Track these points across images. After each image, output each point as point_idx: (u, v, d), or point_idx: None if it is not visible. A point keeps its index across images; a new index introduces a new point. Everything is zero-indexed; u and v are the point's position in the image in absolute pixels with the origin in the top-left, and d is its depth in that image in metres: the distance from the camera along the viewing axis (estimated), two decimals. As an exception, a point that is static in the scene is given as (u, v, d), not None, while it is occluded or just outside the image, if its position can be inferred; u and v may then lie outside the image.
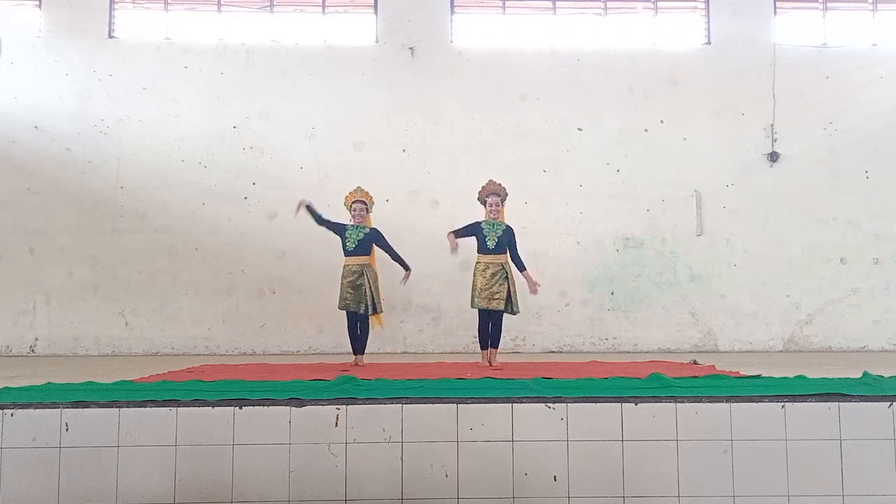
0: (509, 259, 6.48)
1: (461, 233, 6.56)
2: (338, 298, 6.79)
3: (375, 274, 6.78)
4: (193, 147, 9.93)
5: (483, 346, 6.60)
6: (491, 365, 6.35)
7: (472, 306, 6.50)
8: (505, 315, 6.57)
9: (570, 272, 9.84)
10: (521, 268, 6.47)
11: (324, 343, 9.65)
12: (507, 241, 6.44)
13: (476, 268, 6.45)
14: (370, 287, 6.62)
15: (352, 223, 6.82)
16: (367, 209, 6.85)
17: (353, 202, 6.84)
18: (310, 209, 6.84)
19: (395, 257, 6.80)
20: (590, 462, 3.15)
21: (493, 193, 6.64)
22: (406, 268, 6.80)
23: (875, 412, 3.23)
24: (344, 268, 6.75)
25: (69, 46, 9.97)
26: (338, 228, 6.80)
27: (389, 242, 6.83)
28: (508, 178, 9.53)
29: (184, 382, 4.14)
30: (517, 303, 6.45)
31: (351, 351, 6.86)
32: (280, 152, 9.98)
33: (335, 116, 10.02)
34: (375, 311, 6.73)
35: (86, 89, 9.93)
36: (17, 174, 9.75)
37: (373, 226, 6.89)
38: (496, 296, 6.29)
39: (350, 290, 6.64)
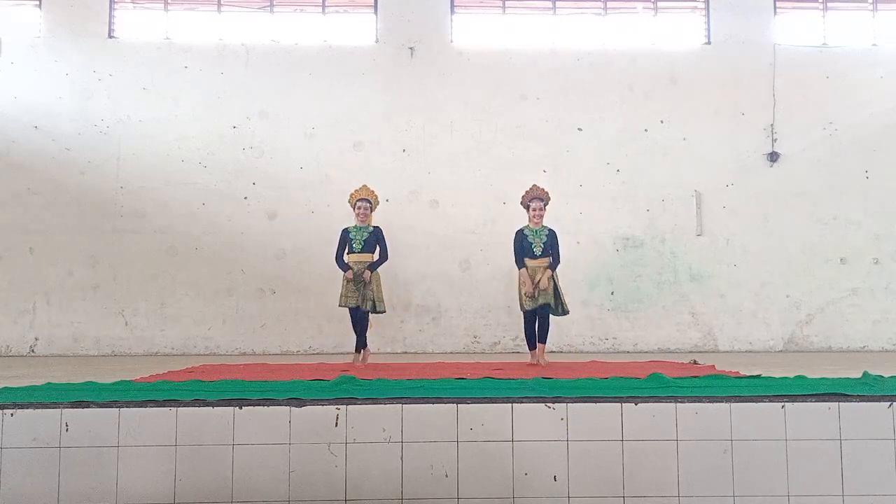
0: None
1: (518, 257, 6.73)
2: (338, 297, 6.77)
3: (378, 274, 6.78)
4: (193, 147, 9.93)
5: (531, 347, 6.75)
6: (539, 364, 6.46)
7: (522, 309, 6.72)
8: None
9: (570, 272, 9.80)
10: (552, 266, 6.64)
11: (324, 343, 9.66)
12: (551, 245, 6.69)
13: (522, 273, 6.64)
14: (374, 285, 6.66)
15: (354, 224, 6.85)
16: (371, 208, 6.87)
17: (357, 200, 6.84)
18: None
19: (382, 258, 6.80)
20: (590, 462, 3.15)
21: (536, 198, 6.79)
22: (375, 266, 6.72)
23: (875, 412, 3.23)
24: (347, 264, 6.76)
25: (69, 46, 9.97)
26: (341, 251, 6.77)
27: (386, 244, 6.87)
28: (508, 178, 9.66)
29: (184, 382, 4.14)
30: (565, 303, 6.69)
31: (354, 350, 6.79)
32: (280, 152, 9.98)
33: (335, 116, 10.02)
34: (376, 311, 6.72)
35: (86, 89, 9.93)
36: (17, 174, 9.76)
37: (375, 224, 6.93)
38: (543, 293, 6.49)
39: (352, 287, 6.60)
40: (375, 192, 6.98)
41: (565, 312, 6.77)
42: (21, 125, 9.84)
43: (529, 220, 6.82)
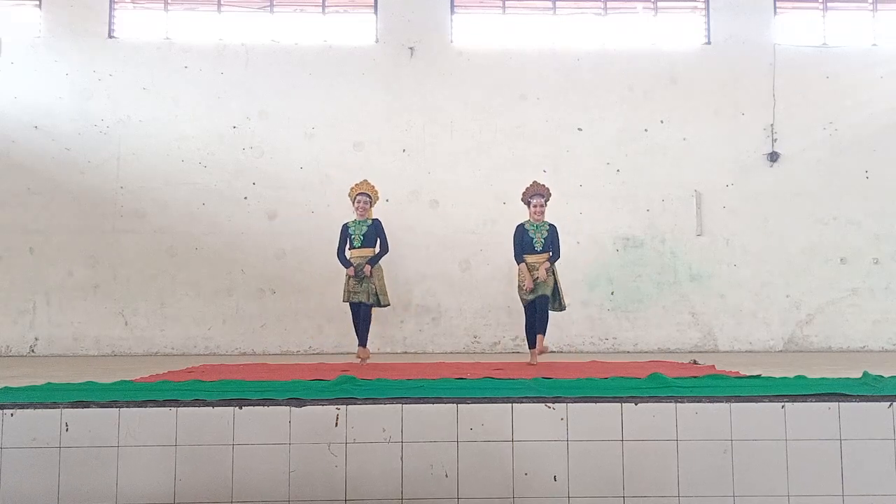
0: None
1: (517, 251, 6.80)
2: (341, 293, 6.82)
3: (380, 267, 6.82)
4: (193, 147, 9.92)
5: (531, 345, 6.75)
6: (534, 363, 6.54)
7: (522, 300, 6.82)
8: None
9: (570, 272, 9.80)
10: (552, 260, 6.77)
11: (324, 343, 9.66)
12: (551, 240, 6.80)
13: (522, 268, 6.72)
14: (376, 279, 6.71)
15: (353, 219, 6.96)
16: (370, 202, 6.93)
17: (357, 194, 6.93)
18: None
19: (382, 250, 6.83)
20: (590, 462, 3.15)
21: (537, 194, 6.88)
22: (375, 260, 6.75)
23: (875, 412, 3.23)
24: (349, 260, 6.84)
25: (69, 46, 9.96)
26: (342, 246, 6.89)
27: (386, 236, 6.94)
28: (508, 178, 9.65)
29: (184, 382, 4.14)
30: (563, 299, 6.82)
31: (358, 343, 6.78)
32: (280, 152, 9.98)
33: (335, 116, 10.02)
34: (380, 305, 6.77)
35: (86, 89, 9.93)
36: (17, 174, 9.75)
37: (374, 217, 6.99)
38: (542, 284, 6.59)
39: (355, 282, 6.68)
40: (376, 188, 7.05)
41: (562, 308, 6.85)
42: (21, 125, 9.83)
43: (530, 216, 6.88)
